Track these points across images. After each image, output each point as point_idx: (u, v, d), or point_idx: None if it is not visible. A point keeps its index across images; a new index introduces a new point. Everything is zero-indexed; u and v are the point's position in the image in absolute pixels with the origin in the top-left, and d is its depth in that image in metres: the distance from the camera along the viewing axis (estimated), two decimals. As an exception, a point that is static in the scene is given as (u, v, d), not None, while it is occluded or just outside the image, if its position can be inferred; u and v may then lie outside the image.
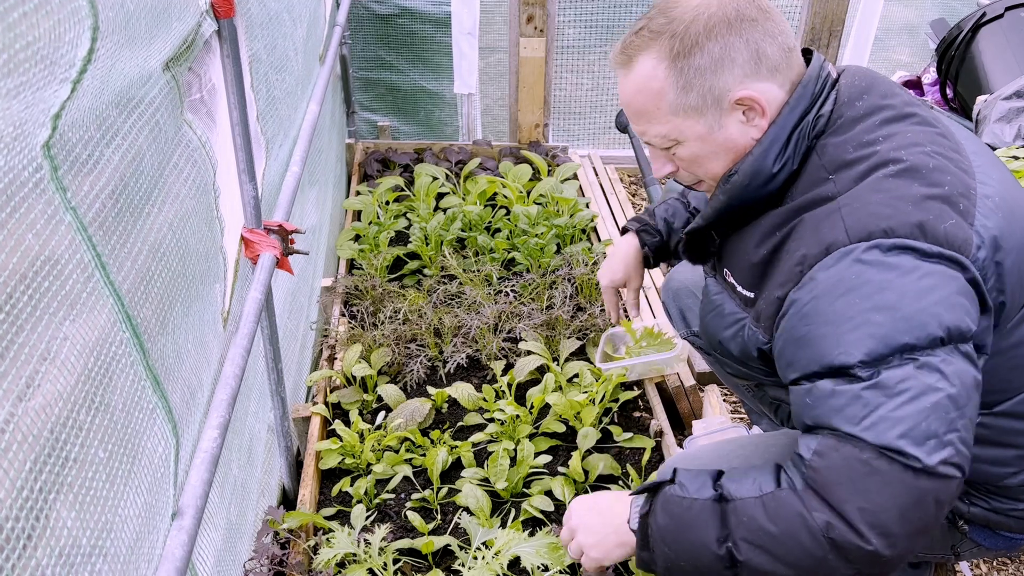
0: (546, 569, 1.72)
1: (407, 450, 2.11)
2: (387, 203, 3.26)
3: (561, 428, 2.14)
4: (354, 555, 1.74)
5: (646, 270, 1.95)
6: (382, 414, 2.22)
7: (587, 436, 2.09)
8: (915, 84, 4.00)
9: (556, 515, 1.96)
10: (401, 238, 3.11)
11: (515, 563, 1.78)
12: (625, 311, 2.21)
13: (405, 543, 1.82)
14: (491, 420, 2.18)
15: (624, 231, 1.93)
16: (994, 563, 2.02)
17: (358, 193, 3.37)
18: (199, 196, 1.22)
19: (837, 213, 1.19)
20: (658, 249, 1.86)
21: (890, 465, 1.10)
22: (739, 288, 1.38)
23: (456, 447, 2.10)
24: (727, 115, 1.28)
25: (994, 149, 2.68)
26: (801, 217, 1.25)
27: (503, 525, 1.89)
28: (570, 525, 1.37)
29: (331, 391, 2.33)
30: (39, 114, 0.75)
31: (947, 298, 1.13)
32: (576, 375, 2.30)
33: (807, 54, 1.34)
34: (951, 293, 1.13)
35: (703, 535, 1.21)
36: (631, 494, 1.33)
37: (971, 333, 1.15)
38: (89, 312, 0.84)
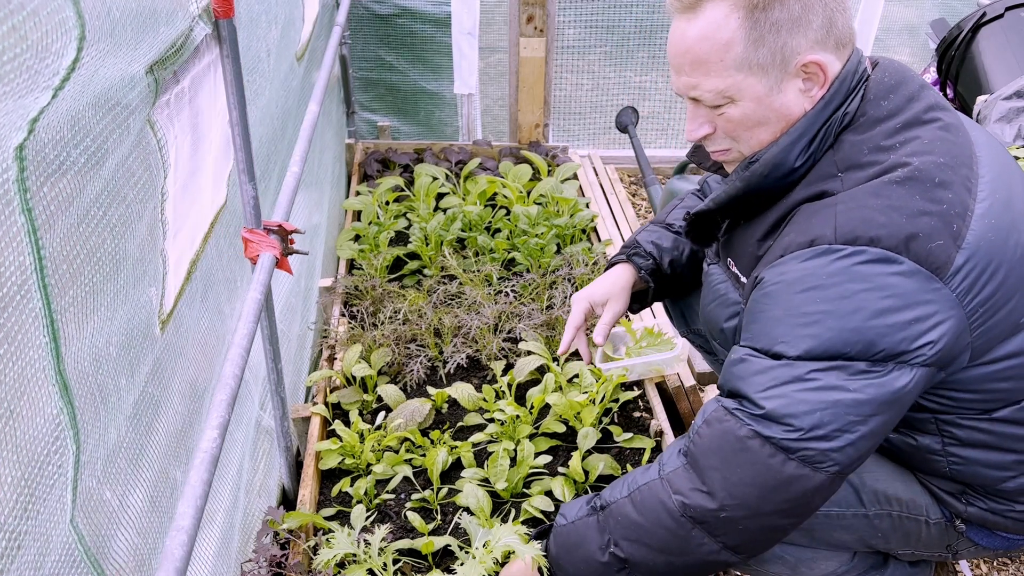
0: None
1: (407, 450, 2.11)
2: (387, 203, 3.26)
3: (561, 428, 2.14)
4: (354, 555, 1.74)
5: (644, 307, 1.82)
6: (382, 414, 2.21)
7: (587, 436, 2.09)
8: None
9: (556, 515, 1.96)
10: (401, 238, 3.11)
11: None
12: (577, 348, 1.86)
13: (405, 543, 1.82)
14: (491, 420, 2.18)
15: (610, 266, 1.78)
16: (994, 563, 2.02)
17: (358, 193, 3.37)
18: (144, 199, 1.20)
19: (832, 209, 1.19)
20: (652, 273, 1.73)
21: (761, 446, 1.17)
22: (742, 278, 1.38)
23: (456, 447, 2.10)
24: (789, 79, 1.23)
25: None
26: (800, 208, 1.26)
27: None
28: None
29: (331, 391, 2.33)
30: (16, 119, 0.75)
31: (907, 321, 1.14)
32: (576, 375, 2.30)
33: None
34: (914, 316, 1.14)
35: (587, 550, 1.33)
36: (535, 537, 1.47)
37: (925, 353, 1.16)
38: (17, 315, 0.82)
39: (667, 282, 1.76)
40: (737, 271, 1.40)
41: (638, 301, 1.79)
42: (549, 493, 1.97)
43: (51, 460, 0.97)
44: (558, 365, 2.35)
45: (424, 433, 2.20)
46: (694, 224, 1.49)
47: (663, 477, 1.27)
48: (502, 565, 1.66)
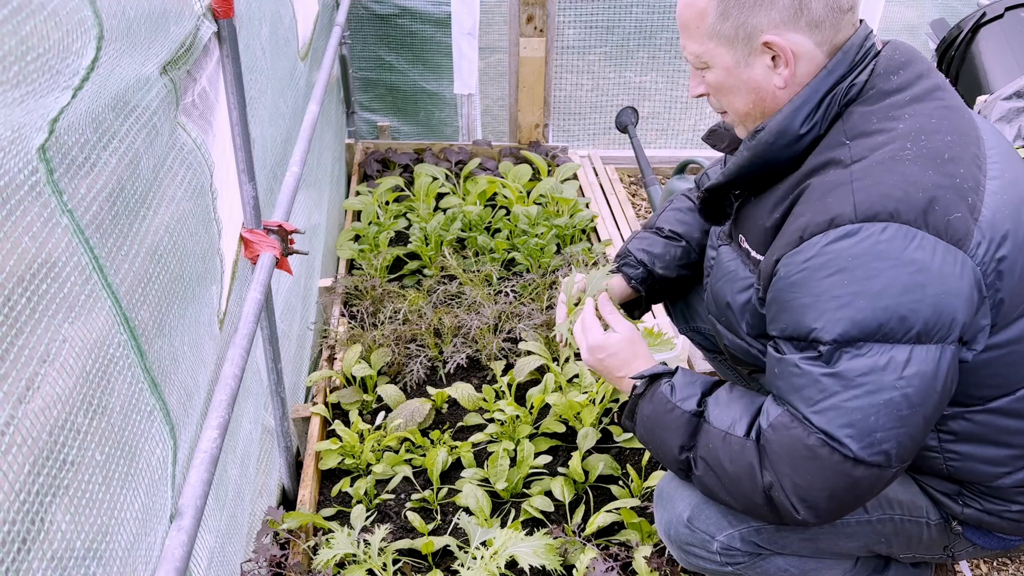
0: (543, 569, 1.72)
1: (407, 450, 2.11)
2: (387, 203, 3.26)
3: (561, 428, 2.14)
4: (354, 555, 1.74)
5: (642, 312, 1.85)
6: (382, 414, 2.22)
7: (587, 436, 2.09)
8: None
9: (556, 515, 1.96)
10: (401, 238, 3.11)
11: (514, 563, 1.78)
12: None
13: (405, 543, 1.82)
14: (491, 420, 2.18)
15: None
16: (994, 563, 2.02)
17: (358, 193, 3.37)
18: (195, 198, 1.22)
19: (848, 187, 1.20)
20: (643, 280, 1.77)
21: (830, 454, 1.19)
22: (753, 253, 1.39)
23: (456, 447, 2.10)
24: (755, 55, 1.28)
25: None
26: (810, 181, 1.26)
27: (503, 525, 1.88)
28: (604, 346, 1.51)
29: (331, 391, 2.33)
30: (37, 119, 0.75)
31: (935, 295, 1.15)
32: (576, 375, 2.30)
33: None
34: (941, 290, 1.15)
35: (672, 438, 1.36)
36: (634, 377, 1.46)
37: (955, 329, 1.17)
38: (88, 314, 0.83)
39: (662, 286, 1.80)
40: (748, 247, 1.40)
41: (637, 307, 1.82)
42: (549, 493, 1.97)
43: (154, 455, 0.99)
44: (558, 365, 2.35)
45: (424, 433, 2.20)
46: (706, 201, 1.50)
47: (759, 446, 1.28)
48: (505, 569, 1.67)
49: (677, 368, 1.44)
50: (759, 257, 1.36)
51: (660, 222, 1.83)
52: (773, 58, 1.27)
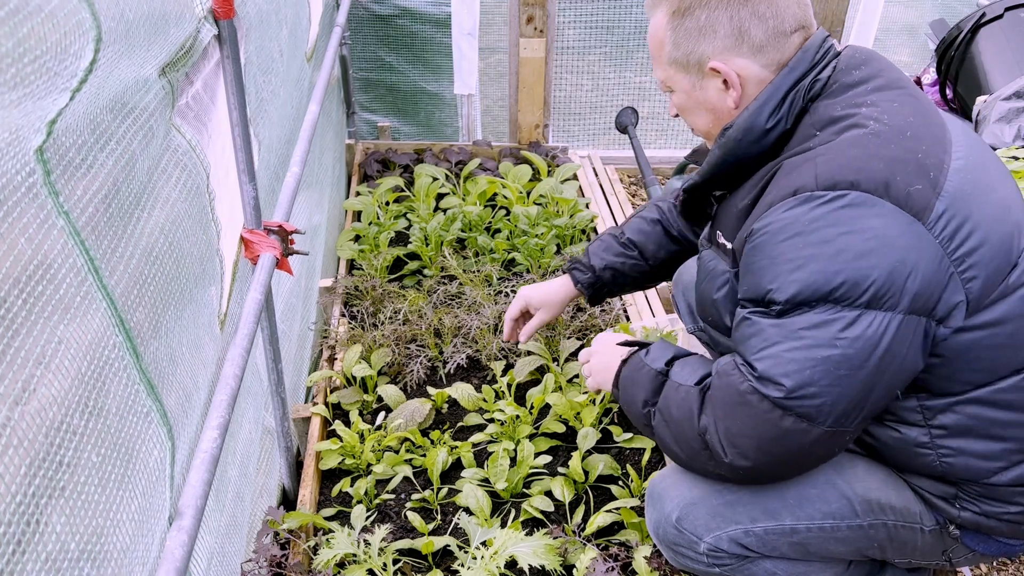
0: (543, 569, 1.72)
1: (407, 450, 2.12)
2: (387, 203, 3.26)
3: (561, 428, 2.14)
4: (354, 555, 1.74)
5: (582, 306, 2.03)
6: (382, 414, 2.22)
7: (587, 436, 2.09)
8: (915, 84, 4.01)
9: (556, 515, 1.96)
10: (401, 238, 3.11)
11: (514, 563, 1.78)
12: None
13: (405, 543, 1.82)
14: (491, 420, 2.18)
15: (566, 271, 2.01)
16: (994, 563, 2.02)
17: (358, 194, 3.37)
18: (191, 199, 1.22)
19: (812, 161, 1.25)
20: (591, 285, 1.92)
21: (759, 401, 1.24)
22: (728, 245, 1.43)
23: (456, 447, 2.10)
24: (707, 79, 1.39)
25: (995, 149, 2.68)
26: (781, 163, 1.32)
27: (503, 525, 1.89)
28: (586, 352, 1.68)
29: (331, 391, 2.33)
30: (35, 120, 0.75)
31: (889, 263, 1.18)
32: (576, 375, 2.30)
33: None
34: (896, 259, 1.18)
35: (639, 394, 1.47)
36: (620, 344, 1.61)
37: (904, 298, 1.19)
38: (83, 316, 0.83)
39: (613, 285, 1.94)
40: (724, 240, 1.45)
41: (597, 296, 1.96)
42: (549, 493, 1.97)
43: (151, 456, 0.99)
44: (558, 365, 2.35)
45: (424, 433, 2.20)
46: (686, 202, 1.57)
47: (703, 393, 1.36)
48: (505, 569, 1.67)
49: (659, 339, 1.57)
50: (731, 246, 1.41)
51: (625, 227, 1.95)
52: (724, 81, 1.36)
